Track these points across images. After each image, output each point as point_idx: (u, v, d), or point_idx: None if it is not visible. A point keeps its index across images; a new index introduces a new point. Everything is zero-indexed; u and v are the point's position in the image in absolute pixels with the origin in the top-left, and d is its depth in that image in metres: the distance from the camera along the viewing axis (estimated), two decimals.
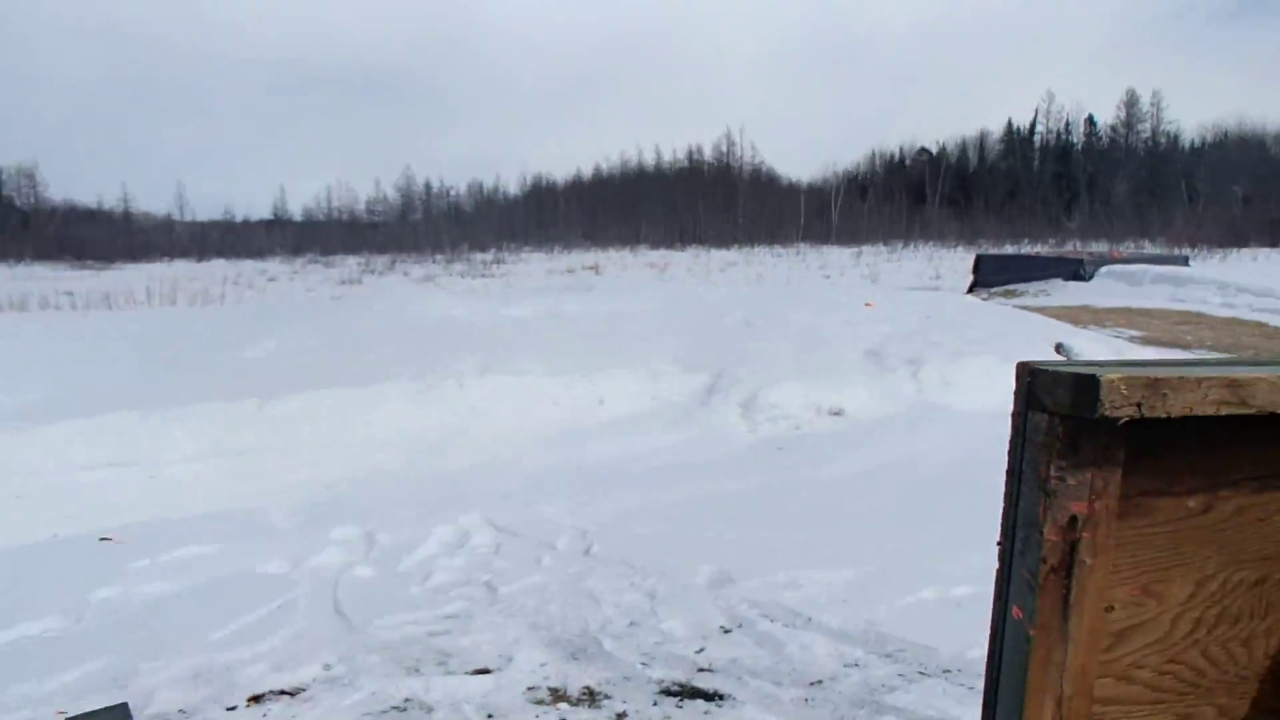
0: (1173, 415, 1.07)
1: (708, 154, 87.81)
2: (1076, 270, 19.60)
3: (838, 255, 43.95)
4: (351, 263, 40.62)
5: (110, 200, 74.99)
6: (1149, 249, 39.51)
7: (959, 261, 32.18)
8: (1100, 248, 39.27)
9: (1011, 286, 19.96)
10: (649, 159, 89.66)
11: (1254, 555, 1.26)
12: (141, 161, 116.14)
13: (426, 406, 6.61)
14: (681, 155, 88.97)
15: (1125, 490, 1.14)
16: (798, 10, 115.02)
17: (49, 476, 5.35)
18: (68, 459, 5.47)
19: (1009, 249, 41.90)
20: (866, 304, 11.19)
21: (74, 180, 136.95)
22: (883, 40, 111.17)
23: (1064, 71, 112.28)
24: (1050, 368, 1.11)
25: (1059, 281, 19.55)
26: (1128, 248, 40.47)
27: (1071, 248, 41.56)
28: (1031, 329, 10.10)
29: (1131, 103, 73.91)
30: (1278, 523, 1.26)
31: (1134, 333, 12.78)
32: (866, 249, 49.08)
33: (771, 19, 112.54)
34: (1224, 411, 1.10)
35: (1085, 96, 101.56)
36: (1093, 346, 9.08)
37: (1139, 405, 1.05)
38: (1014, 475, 1.15)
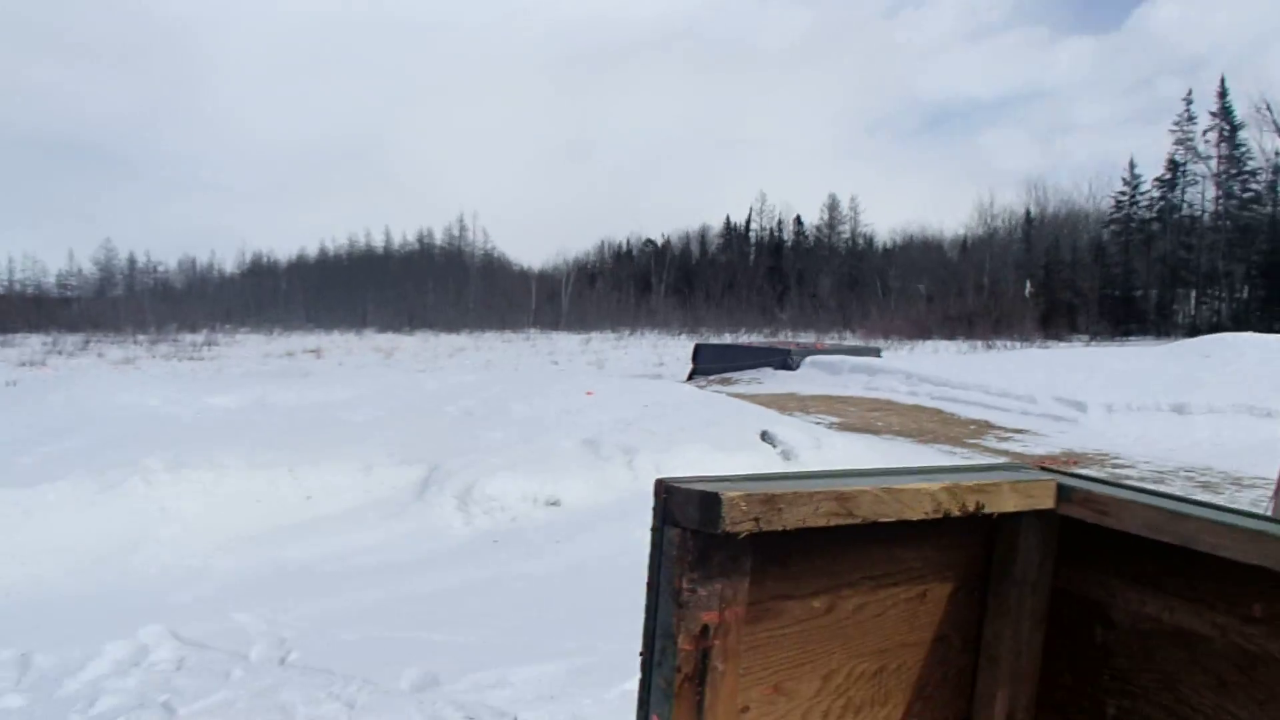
0: (788, 528, 1.19)
1: (439, 237, 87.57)
2: (785, 360, 21.12)
3: (567, 341, 44.84)
4: (35, 342, 36.70)
5: None
6: (850, 340, 43.25)
7: (681, 349, 33.77)
8: (808, 338, 42.53)
9: (727, 374, 21.18)
10: (378, 240, 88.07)
11: (872, 648, 1.39)
12: None
13: (107, 507, 6.05)
14: (412, 238, 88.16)
15: (755, 596, 1.23)
16: (532, 102, 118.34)
17: None
18: None
19: (728, 338, 44.50)
20: (587, 392, 11.47)
21: None
22: (612, 135, 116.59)
23: (775, 174, 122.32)
24: (683, 485, 1.19)
25: (770, 370, 20.96)
26: (832, 338, 44.07)
27: (783, 337, 44.73)
28: (741, 417, 10.73)
29: (833, 206, 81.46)
30: (891, 617, 1.40)
31: (833, 419, 13.89)
32: (595, 335, 50.44)
33: (505, 108, 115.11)
34: (833, 522, 1.21)
35: (794, 198, 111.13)
36: (795, 434, 9.76)
37: (757, 520, 1.16)
38: (652, 588, 1.22)
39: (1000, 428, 13.21)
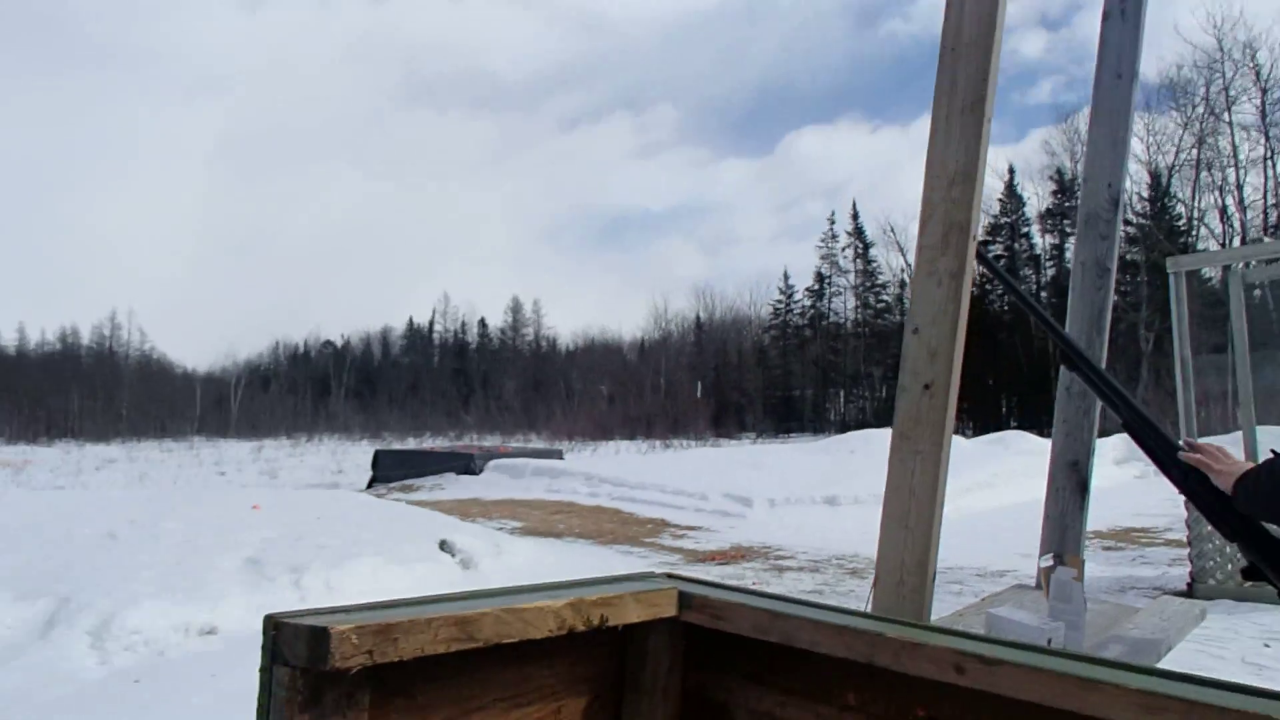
0: (405, 659, 1.16)
1: (85, 336, 79.38)
2: (468, 464, 20.97)
3: (236, 450, 41.91)
4: None
5: None
6: (535, 442, 43.80)
7: (363, 455, 32.59)
8: (494, 440, 42.61)
9: (409, 481, 20.67)
10: (9, 340, 78.39)
11: None
12: None
13: None
14: (52, 336, 79.24)
15: None
16: (194, 195, 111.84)
17: None
18: None
19: (412, 442, 43.63)
20: (254, 506, 10.74)
21: None
22: (284, 233, 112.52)
23: (459, 275, 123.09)
24: (292, 620, 1.13)
25: (453, 475, 20.71)
26: (517, 440, 44.45)
27: (468, 441, 44.52)
28: (420, 526, 10.46)
29: (517, 309, 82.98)
30: None
31: (516, 523, 13.89)
32: (269, 442, 47.58)
33: (164, 199, 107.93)
34: (455, 648, 1.19)
35: (478, 300, 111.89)
36: (475, 541, 9.65)
37: (370, 653, 1.11)
38: None
39: (675, 525, 13.79)
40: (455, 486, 19.47)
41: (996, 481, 16.22)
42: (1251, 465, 1.61)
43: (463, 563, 8.98)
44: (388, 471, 21.58)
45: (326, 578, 7.57)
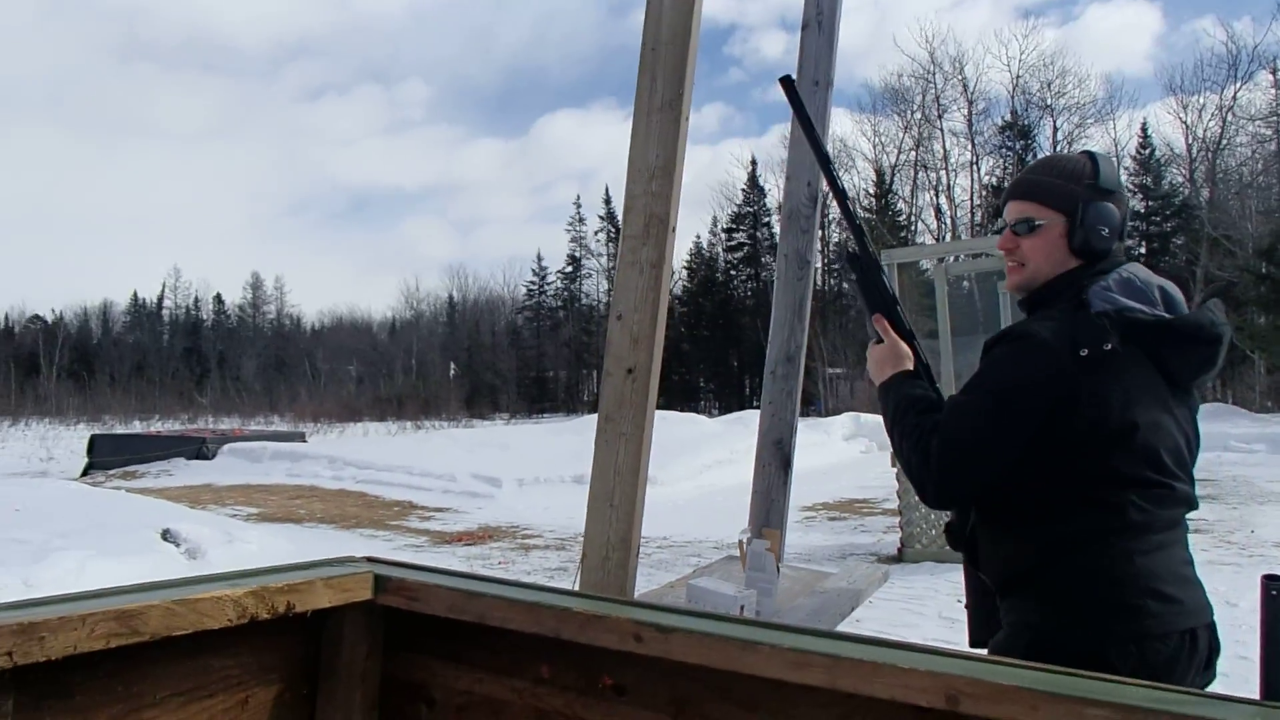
0: (54, 658, 1.07)
1: None
2: (200, 449, 19.71)
3: None
4: None
5: None
6: (277, 424, 41.79)
7: (79, 440, 29.82)
8: (232, 423, 40.24)
9: (132, 468, 19.15)
10: None
11: None
12: None
13: None
14: None
15: None
16: None
17: None
18: None
19: (138, 426, 40.50)
20: None
21: None
22: None
23: (192, 249, 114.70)
24: None
25: (182, 461, 19.39)
26: (258, 423, 42.21)
27: (203, 424, 41.83)
28: (140, 514, 9.73)
29: (257, 285, 78.53)
30: None
31: (252, 509, 13.21)
32: None
33: None
34: (115, 644, 1.13)
35: (213, 276, 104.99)
36: (203, 529, 9.08)
37: (10, 654, 1.03)
38: None
39: (423, 507, 13.58)
40: (185, 472, 18.24)
41: (737, 458, 17.02)
42: (899, 372, 1.94)
43: (189, 553, 8.44)
44: (106, 457, 19.87)
45: (25, 574, 6.89)
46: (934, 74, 51.28)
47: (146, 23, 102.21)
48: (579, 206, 67.62)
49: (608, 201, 65.75)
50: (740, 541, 2.95)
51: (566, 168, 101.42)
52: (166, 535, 8.73)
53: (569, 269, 67.98)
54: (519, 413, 58.03)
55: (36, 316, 77.15)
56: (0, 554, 7.24)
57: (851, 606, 2.79)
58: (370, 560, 1.58)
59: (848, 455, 21.20)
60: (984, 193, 50.64)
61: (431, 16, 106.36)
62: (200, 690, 1.32)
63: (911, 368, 1.94)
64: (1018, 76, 49.94)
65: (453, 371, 65.02)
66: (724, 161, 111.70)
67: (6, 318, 77.23)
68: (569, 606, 1.31)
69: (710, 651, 1.19)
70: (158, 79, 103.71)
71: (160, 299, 78.46)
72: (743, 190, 62.54)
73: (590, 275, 67.64)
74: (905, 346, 1.97)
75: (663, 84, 2.08)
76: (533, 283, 69.19)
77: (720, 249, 63.68)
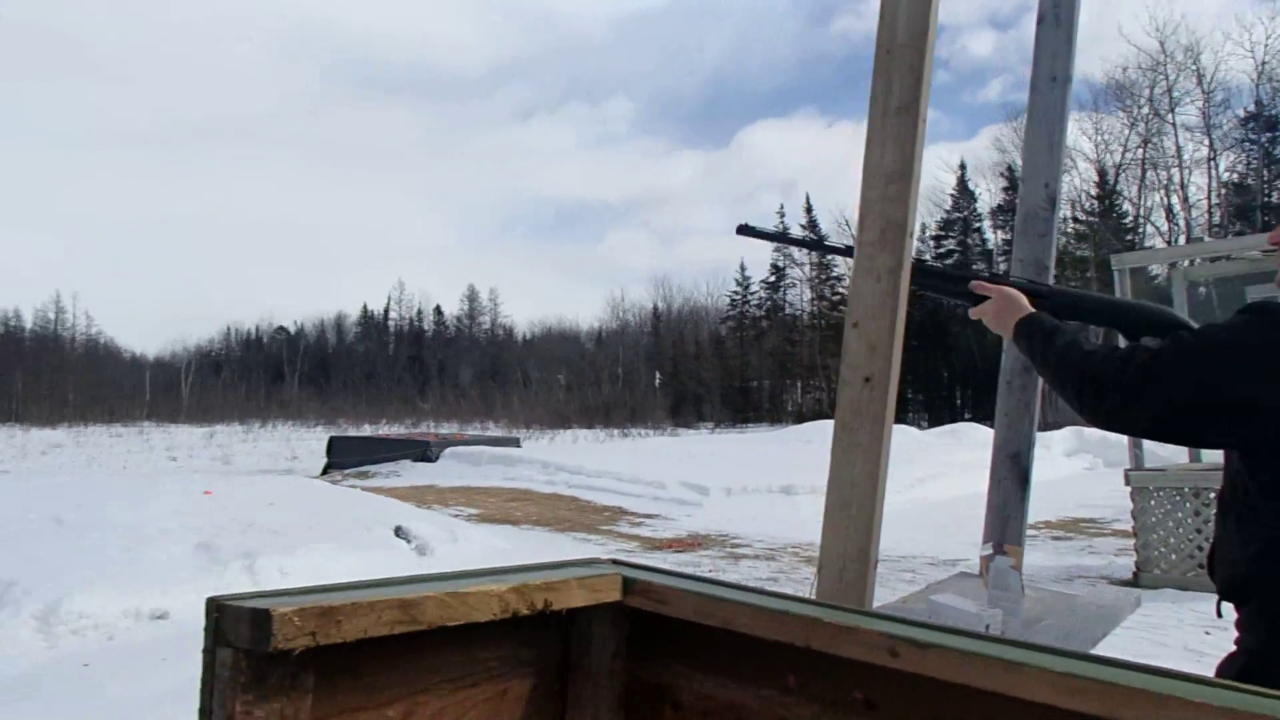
0: (348, 640, 1.18)
1: (29, 320, 77.58)
2: (424, 452, 20.86)
3: (188, 435, 41.29)
4: None
5: None
6: (492, 430, 43.68)
7: (317, 442, 32.27)
8: (451, 428, 42.39)
9: (365, 468, 20.52)
10: None
11: None
12: None
13: None
14: None
15: (322, 712, 1.19)
16: (136, 178, 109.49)
17: None
18: None
19: (368, 429, 43.27)
20: (206, 492, 10.62)
21: None
22: (231, 218, 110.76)
23: (414, 263, 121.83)
24: (234, 602, 1.15)
25: (408, 462, 20.60)
26: (474, 428, 44.25)
27: (425, 428, 44.24)
28: (375, 512, 10.42)
29: (473, 297, 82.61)
30: (473, 718, 1.43)
31: (472, 511, 13.88)
32: (221, 428, 46.94)
33: (104, 182, 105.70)
34: (399, 630, 1.22)
35: (433, 288, 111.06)
36: (430, 528, 9.63)
37: (313, 635, 1.14)
38: (204, 714, 1.16)
39: (633, 513, 13.85)
40: (411, 473, 19.38)
41: (950, 472, 16.47)
42: (1031, 312, 1.97)
43: (418, 549, 8.96)
44: (343, 458, 21.39)
45: (280, 563, 7.53)
46: (1165, 65, 47.71)
47: (376, 54, 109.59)
48: (782, 215, 67.24)
49: (809, 210, 65.04)
50: (982, 558, 2.86)
51: (768, 177, 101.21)
52: (398, 532, 9.31)
53: (772, 278, 67.68)
54: (723, 422, 58.16)
55: (281, 328, 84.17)
56: (259, 545, 7.93)
57: (1103, 632, 2.64)
58: (615, 562, 1.64)
59: (1070, 471, 20.04)
60: (1224, 191, 46.70)
61: (634, 34, 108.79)
62: (467, 679, 1.41)
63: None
64: (1263, 63, 45.74)
65: (657, 380, 65.96)
66: (931, 166, 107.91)
67: (256, 329, 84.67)
68: (819, 616, 1.31)
69: (971, 671, 1.16)
70: (384, 105, 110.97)
71: (386, 311, 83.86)
72: (951, 195, 60.35)
73: (794, 285, 67.10)
74: (1017, 291, 2.00)
75: (899, 87, 2.06)
76: (736, 292, 69.31)
77: (929, 256, 61.67)
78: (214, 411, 58.36)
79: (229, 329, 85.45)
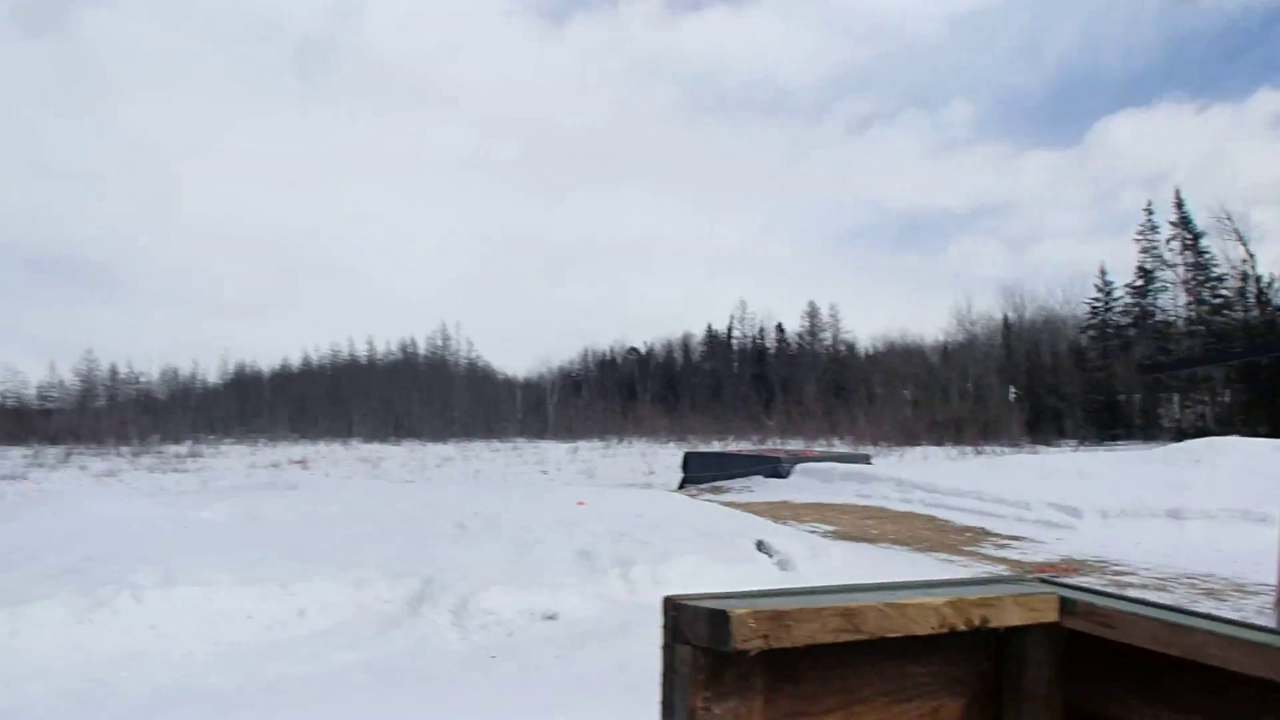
0: (796, 645, 1.19)
1: (422, 347, 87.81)
2: (776, 468, 21.07)
3: (554, 450, 44.66)
4: (15, 455, 36.26)
5: None
6: (839, 446, 43.30)
7: (670, 457, 33.69)
8: (796, 445, 42.54)
9: (718, 483, 21.09)
10: (360, 349, 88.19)
11: None
12: None
13: (97, 626, 5.90)
14: (395, 347, 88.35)
15: (770, 715, 1.22)
16: (506, 211, 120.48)
17: None
18: None
19: (716, 445, 44.46)
20: (579, 503, 11.39)
21: None
22: (590, 244, 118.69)
23: (754, 282, 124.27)
24: (691, 603, 1.20)
25: (760, 478, 20.89)
26: (820, 445, 44.09)
27: (771, 445, 44.73)
28: (735, 526, 10.66)
29: (813, 313, 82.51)
30: None
31: (827, 528, 13.79)
32: (583, 444, 50.28)
33: (482, 215, 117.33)
34: (842, 638, 1.21)
35: (774, 306, 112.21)
36: (790, 544, 9.68)
37: (766, 637, 1.16)
38: (667, 708, 1.21)
39: (996, 535, 13.13)
40: (764, 489, 19.64)
41: None
42: None
43: (780, 564, 9.03)
44: (697, 473, 22.13)
45: (652, 572, 7.88)
46: None
47: (717, 78, 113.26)
48: (1150, 213, 60.85)
49: (1180, 206, 58.40)
50: None
51: (1129, 173, 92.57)
52: (760, 546, 9.44)
53: (1139, 282, 61.50)
54: (1087, 438, 53.68)
55: (633, 349, 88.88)
56: (632, 554, 8.37)
57: None
58: (1044, 581, 1.54)
59: None
60: None
61: (971, 32, 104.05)
62: (901, 693, 1.37)
63: None
64: None
65: (1011, 394, 62.17)
66: None
67: (610, 350, 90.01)
68: None
69: None
70: (724, 126, 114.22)
71: (729, 330, 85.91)
72: None
73: (1165, 288, 60.52)
74: None
75: None
76: (1097, 299, 63.69)
77: None
78: (576, 428, 62.74)
79: (586, 351, 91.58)
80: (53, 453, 37.50)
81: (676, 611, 1.19)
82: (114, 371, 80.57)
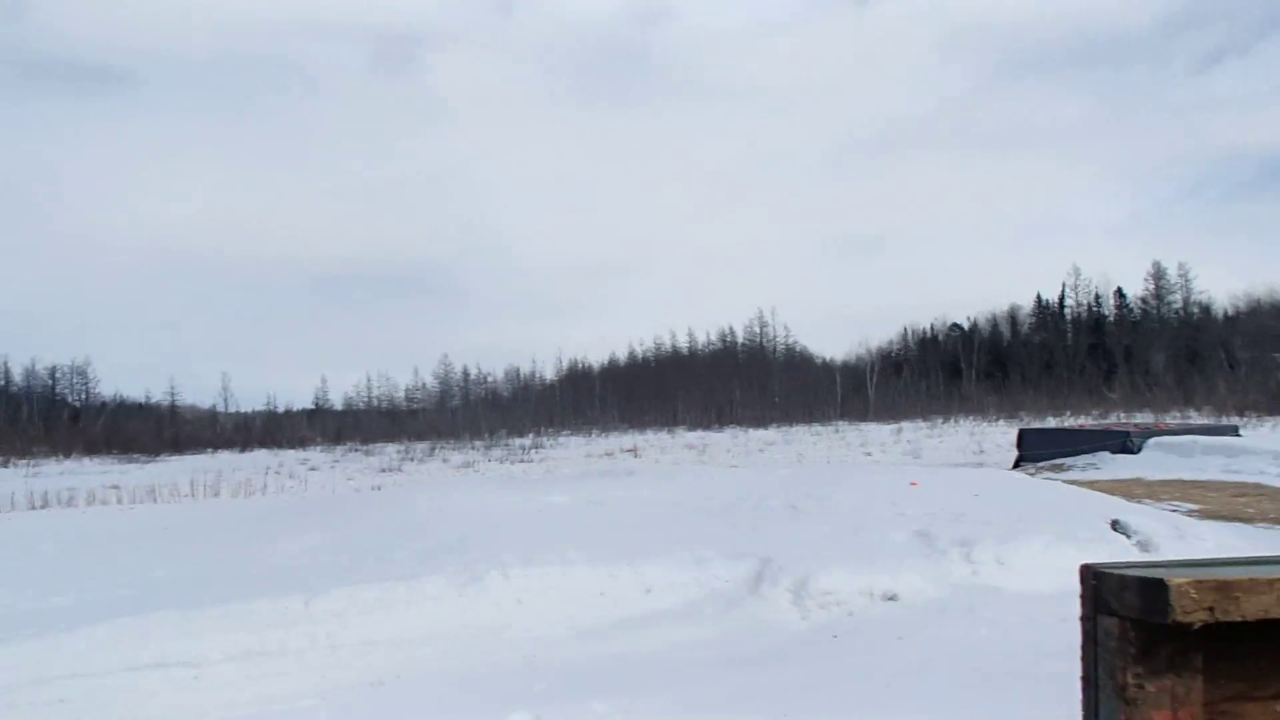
0: (1246, 619, 1.06)
1: (740, 335, 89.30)
2: (1124, 443, 19.35)
3: (877, 432, 43.77)
4: (391, 450, 40.96)
5: (157, 394, 77.23)
6: (1195, 418, 39.07)
7: (1001, 435, 31.94)
8: (1144, 418, 38.86)
9: (1058, 460, 19.70)
10: (682, 341, 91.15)
11: None
12: (188, 356, 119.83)
13: (473, 599, 6.53)
14: (714, 337, 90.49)
15: (1210, 696, 1.11)
16: (815, 194, 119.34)
17: (90, 679, 5.30)
18: (110, 660, 5.43)
19: (1051, 422, 41.62)
20: (911, 483, 11.07)
21: (123, 376, 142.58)
22: (899, 220, 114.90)
23: (1087, 245, 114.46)
24: (1115, 571, 1.10)
25: (1106, 454, 19.26)
26: (1174, 418, 39.99)
27: (1115, 419, 41.17)
28: (1084, 505, 9.91)
29: (1159, 275, 74.83)
30: None
31: (1190, 506, 12.48)
32: (906, 425, 48.87)
33: (790, 201, 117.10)
34: None
35: (1112, 269, 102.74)
36: (1151, 522, 8.86)
37: (1211, 609, 1.04)
38: (1089, 682, 1.12)
39: None
40: (1111, 466, 18.11)
41: None
42: None
43: (1140, 545, 8.29)
44: (1034, 450, 20.80)
45: (996, 553, 7.52)
46: None
47: (1030, 35, 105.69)
48: None
49: None
50: None
51: None
52: (1115, 526, 8.72)
53: None
54: None
55: (955, 325, 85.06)
56: (973, 534, 8.02)
57: None
58: None
59: None
60: None
61: None
62: None
63: None
64: None
65: None
66: None
67: (931, 327, 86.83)
68: None
69: None
70: (1043, 85, 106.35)
71: (1061, 299, 79.90)
72: None
73: None
74: None
75: None
76: None
77: None
78: (898, 409, 60.96)
79: (905, 330, 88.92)
80: (419, 448, 41.93)
81: (1097, 580, 1.12)
82: (465, 373, 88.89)
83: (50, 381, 75.50)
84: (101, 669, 5.40)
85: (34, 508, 14.75)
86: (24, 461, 37.20)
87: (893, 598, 6.97)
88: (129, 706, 5.11)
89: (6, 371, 72.50)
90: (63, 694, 5.20)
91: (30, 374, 73.95)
